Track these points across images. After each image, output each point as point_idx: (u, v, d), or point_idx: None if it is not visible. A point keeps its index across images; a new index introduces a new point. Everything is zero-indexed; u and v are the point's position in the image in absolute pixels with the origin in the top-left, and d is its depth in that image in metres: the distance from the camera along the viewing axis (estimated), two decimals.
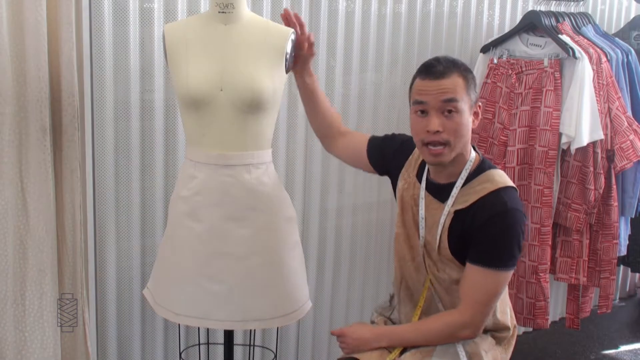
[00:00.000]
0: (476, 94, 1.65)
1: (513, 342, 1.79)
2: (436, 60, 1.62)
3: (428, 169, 1.73)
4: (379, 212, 2.81)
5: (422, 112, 1.61)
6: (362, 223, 2.78)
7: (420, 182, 1.75)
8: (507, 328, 1.74)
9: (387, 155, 1.86)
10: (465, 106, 1.60)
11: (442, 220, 1.66)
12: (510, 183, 1.65)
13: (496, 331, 1.73)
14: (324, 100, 1.93)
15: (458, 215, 1.64)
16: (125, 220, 2.27)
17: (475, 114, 1.66)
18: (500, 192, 1.61)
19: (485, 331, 1.72)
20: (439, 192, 1.69)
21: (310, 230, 2.67)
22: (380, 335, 1.73)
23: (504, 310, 1.74)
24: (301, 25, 1.80)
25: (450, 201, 1.65)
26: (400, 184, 1.81)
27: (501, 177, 1.65)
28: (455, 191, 1.65)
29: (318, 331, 2.79)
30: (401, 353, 1.77)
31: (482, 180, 1.64)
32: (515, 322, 1.80)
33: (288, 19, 1.81)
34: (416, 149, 1.71)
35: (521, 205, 1.63)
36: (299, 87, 1.90)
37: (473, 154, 1.68)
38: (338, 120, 1.98)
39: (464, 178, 1.65)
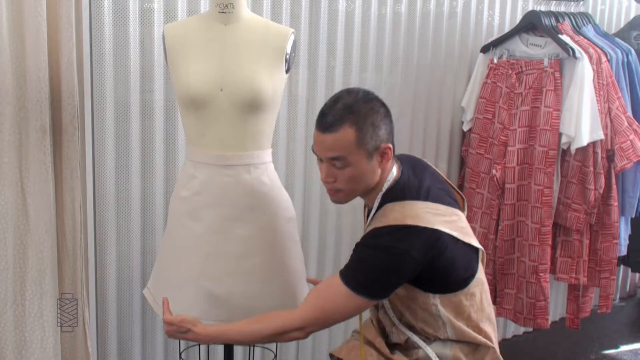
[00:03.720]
0: (380, 137, 1.55)
1: None
2: (331, 106, 1.55)
3: None
4: None
5: (320, 159, 1.60)
6: (362, 222, 2.78)
7: None
8: (473, 343, 1.68)
9: None
10: (358, 158, 1.54)
11: None
12: (407, 221, 1.54)
13: (464, 343, 1.69)
14: None
15: None
16: (125, 220, 2.27)
17: (383, 154, 1.57)
18: (386, 229, 1.56)
19: (456, 341, 1.69)
20: (368, 215, 1.70)
21: (310, 230, 2.67)
22: (209, 337, 1.64)
23: (470, 330, 1.68)
24: None
25: (366, 230, 1.66)
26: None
27: (396, 214, 1.57)
28: (369, 219, 1.66)
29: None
30: (392, 351, 1.77)
31: (381, 213, 1.61)
32: (491, 343, 1.71)
33: None
34: None
35: (409, 245, 1.52)
36: None
37: (388, 182, 1.62)
38: None
39: (376, 208, 1.64)
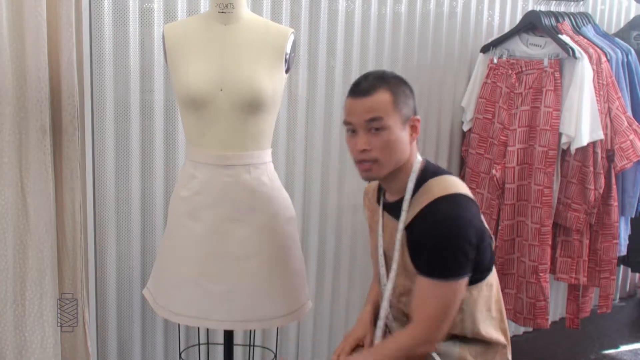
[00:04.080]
0: (411, 107, 1.62)
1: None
2: (364, 77, 1.62)
3: (384, 191, 1.73)
4: None
5: (352, 131, 1.61)
6: (362, 223, 2.78)
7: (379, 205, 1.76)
8: (486, 342, 1.67)
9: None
10: (394, 122, 1.57)
11: (397, 237, 1.64)
12: (454, 190, 1.58)
13: (474, 342, 1.68)
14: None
15: (408, 229, 1.62)
16: (125, 220, 2.27)
17: (413, 127, 1.62)
18: (437, 202, 1.56)
19: (466, 341, 1.67)
20: (394, 210, 1.67)
21: (310, 230, 2.67)
22: None
23: (489, 324, 1.67)
24: None
25: (402, 217, 1.63)
26: (367, 214, 1.82)
27: (442, 185, 1.59)
28: (405, 205, 1.63)
29: (318, 331, 2.79)
30: None
31: (423, 191, 1.61)
32: (505, 341, 1.71)
33: None
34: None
35: (466, 210, 1.56)
36: None
37: (417, 162, 1.65)
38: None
39: (411, 191, 1.62)
